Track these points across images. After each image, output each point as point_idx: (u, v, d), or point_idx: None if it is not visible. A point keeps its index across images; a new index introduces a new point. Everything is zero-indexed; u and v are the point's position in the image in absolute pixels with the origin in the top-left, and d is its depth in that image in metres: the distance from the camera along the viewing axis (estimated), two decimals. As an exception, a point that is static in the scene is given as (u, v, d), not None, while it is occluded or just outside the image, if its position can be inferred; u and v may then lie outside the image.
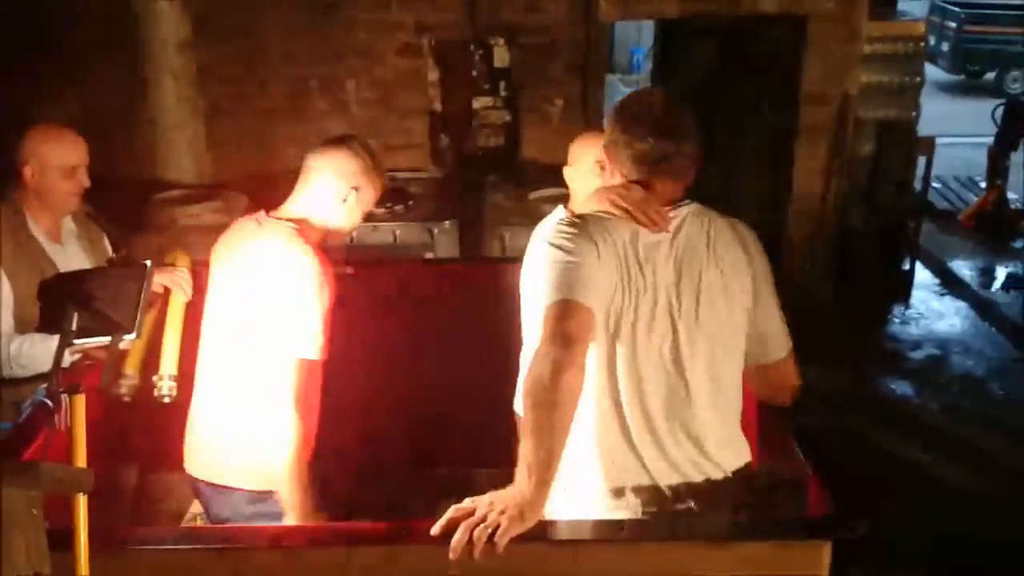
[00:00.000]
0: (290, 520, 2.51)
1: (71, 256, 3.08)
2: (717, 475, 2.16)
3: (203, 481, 2.68)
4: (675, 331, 2.08)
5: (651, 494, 2.12)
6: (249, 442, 2.56)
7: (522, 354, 2.39)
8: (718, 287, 2.12)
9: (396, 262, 3.96)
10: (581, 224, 2.06)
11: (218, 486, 2.65)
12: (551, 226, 2.07)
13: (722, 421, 2.18)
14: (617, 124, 2.19)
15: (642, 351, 2.07)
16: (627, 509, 2.11)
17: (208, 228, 2.70)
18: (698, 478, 2.14)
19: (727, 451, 2.19)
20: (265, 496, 2.59)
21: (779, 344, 2.26)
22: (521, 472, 1.82)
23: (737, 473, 2.21)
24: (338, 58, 6.05)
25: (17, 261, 2.89)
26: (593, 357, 2.02)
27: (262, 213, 2.68)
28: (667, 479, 2.12)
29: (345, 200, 2.65)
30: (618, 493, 2.12)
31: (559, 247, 2.00)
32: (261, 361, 2.52)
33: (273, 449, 2.48)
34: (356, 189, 2.65)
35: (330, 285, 2.57)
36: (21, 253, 2.93)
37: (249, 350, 2.55)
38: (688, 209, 2.16)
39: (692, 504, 2.13)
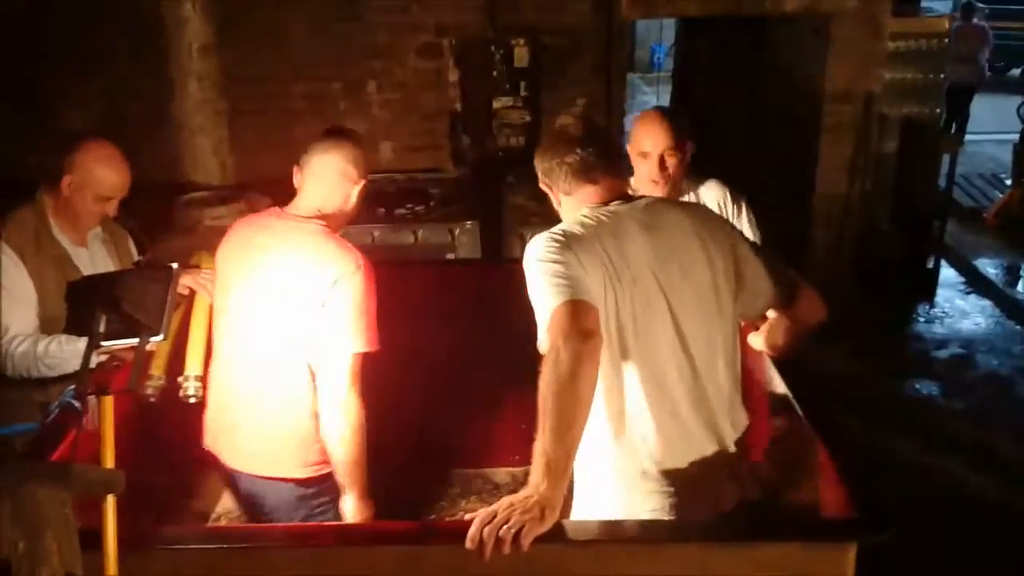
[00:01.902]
0: (345, 507, 2.64)
1: (96, 258, 3.10)
2: (730, 447, 2.28)
3: (248, 474, 2.73)
4: (672, 313, 2.19)
5: (678, 474, 2.20)
6: (299, 435, 2.64)
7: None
8: (698, 263, 2.24)
9: (411, 263, 3.96)
10: (560, 236, 2.18)
11: (266, 478, 2.70)
12: (536, 246, 2.17)
13: (728, 392, 2.30)
14: (545, 153, 2.38)
15: (647, 338, 2.17)
16: (657, 493, 2.20)
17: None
18: (714, 451, 2.25)
19: (734, 418, 2.31)
20: (312, 485, 2.69)
21: (783, 292, 2.39)
22: (538, 470, 1.84)
23: (739, 442, 2.32)
24: (359, 60, 6.07)
25: (41, 263, 2.92)
26: (605, 355, 2.09)
27: (277, 209, 2.71)
28: (689, 456, 2.22)
29: (355, 192, 2.70)
30: (646, 476, 2.20)
31: (548, 260, 2.11)
32: (309, 357, 2.59)
33: (333, 436, 2.56)
34: (364, 179, 2.71)
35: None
36: (44, 255, 2.95)
37: (295, 346, 2.59)
38: (644, 200, 2.34)
39: (713, 479, 2.23)
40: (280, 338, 2.61)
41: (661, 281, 2.19)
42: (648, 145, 2.96)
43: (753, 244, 2.44)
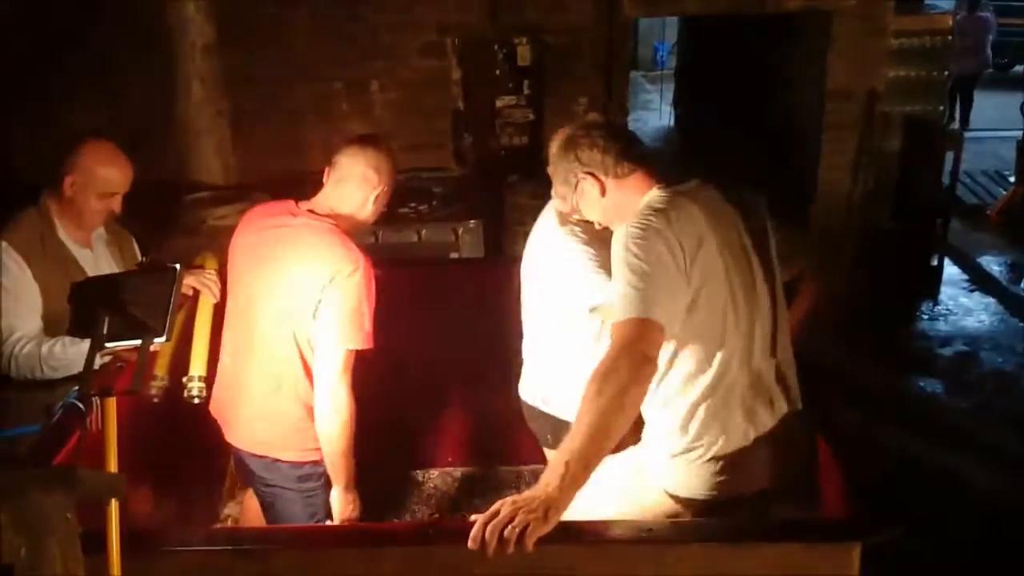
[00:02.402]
0: (332, 497, 2.71)
1: (100, 260, 3.11)
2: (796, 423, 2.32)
3: (250, 453, 2.84)
4: (756, 289, 2.25)
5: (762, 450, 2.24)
6: (291, 423, 2.73)
7: (523, 345, 2.74)
8: (746, 245, 2.28)
9: (413, 262, 3.97)
10: (653, 225, 2.13)
11: (267, 458, 2.81)
12: (636, 230, 2.13)
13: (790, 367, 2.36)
14: (583, 141, 2.35)
15: (730, 319, 2.20)
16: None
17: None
18: (782, 427, 2.28)
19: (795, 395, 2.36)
20: (301, 467, 2.78)
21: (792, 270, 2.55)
22: (555, 471, 1.83)
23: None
24: (362, 60, 6.07)
25: (45, 264, 2.92)
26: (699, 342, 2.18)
27: (293, 204, 2.75)
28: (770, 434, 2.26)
29: (373, 197, 2.73)
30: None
31: (638, 257, 2.07)
32: (305, 350, 2.66)
33: (323, 428, 2.64)
34: (384, 187, 2.74)
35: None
36: (49, 257, 2.96)
37: (292, 339, 2.66)
38: (693, 182, 2.34)
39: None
40: (279, 329, 2.67)
41: (748, 262, 2.24)
42: None
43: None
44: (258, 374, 2.74)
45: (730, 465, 2.21)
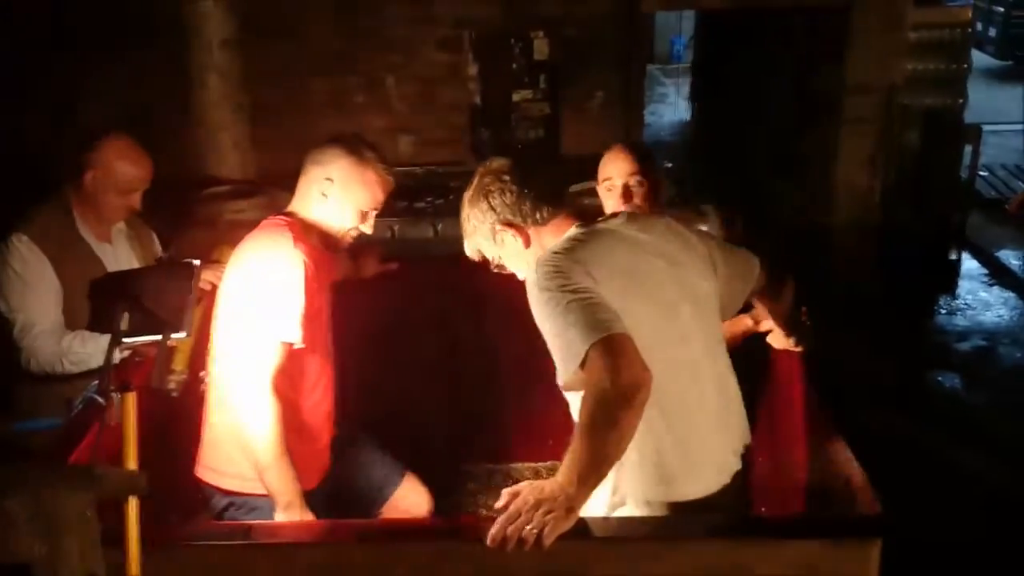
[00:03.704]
0: (279, 514, 2.48)
1: (120, 255, 3.13)
2: (739, 469, 2.25)
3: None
4: (686, 315, 2.15)
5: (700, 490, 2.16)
6: (220, 439, 2.61)
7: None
8: (692, 276, 2.21)
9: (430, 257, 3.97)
10: (566, 256, 2.05)
11: (201, 481, 2.70)
12: (547, 270, 2.03)
13: (737, 413, 2.28)
14: (496, 191, 2.27)
15: (662, 356, 2.04)
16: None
17: (253, 224, 2.72)
18: (735, 471, 2.23)
19: (744, 428, 2.30)
20: (233, 496, 2.61)
21: (749, 278, 2.38)
22: (569, 475, 1.82)
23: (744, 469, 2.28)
24: (378, 54, 6.08)
25: (66, 259, 2.94)
26: None
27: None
28: (712, 478, 2.18)
29: (325, 195, 2.63)
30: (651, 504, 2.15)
31: (560, 288, 1.96)
32: (235, 353, 2.51)
33: (246, 441, 2.47)
34: (330, 180, 2.63)
35: (316, 279, 2.57)
36: (69, 251, 2.98)
37: (228, 343, 2.56)
38: (622, 214, 2.28)
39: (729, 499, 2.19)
40: (222, 335, 2.59)
41: (671, 293, 2.13)
42: (612, 172, 2.93)
43: (719, 241, 2.40)
44: (213, 388, 2.65)
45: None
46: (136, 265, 3.10)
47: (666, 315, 2.12)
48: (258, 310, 2.47)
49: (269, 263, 2.49)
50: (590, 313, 1.91)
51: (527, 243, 2.22)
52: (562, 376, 1.98)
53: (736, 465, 2.23)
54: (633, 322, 1.96)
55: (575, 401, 2.00)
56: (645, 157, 2.96)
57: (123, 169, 2.99)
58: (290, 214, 2.68)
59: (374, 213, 2.73)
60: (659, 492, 2.14)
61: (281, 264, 2.49)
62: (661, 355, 2.01)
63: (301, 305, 2.49)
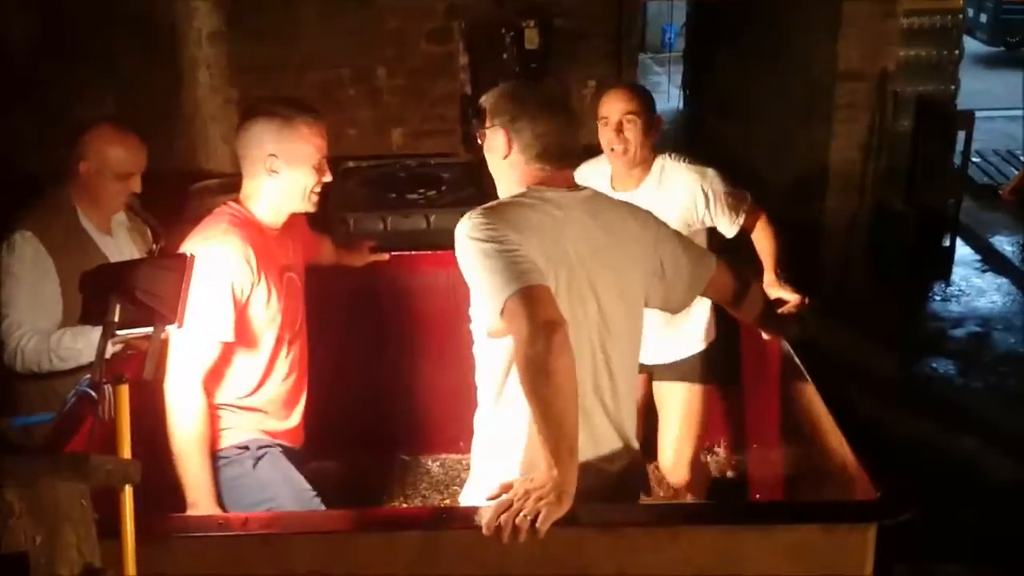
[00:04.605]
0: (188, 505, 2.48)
1: (122, 247, 3.11)
2: (634, 446, 2.26)
3: None
4: (599, 307, 2.13)
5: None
6: None
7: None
8: (627, 262, 2.20)
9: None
10: (496, 213, 2.08)
11: None
12: (473, 223, 2.05)
13: (632, 399, 2.27)
14: (518, 102, 2.21)
15: (572, 333, 2.01)
16: None
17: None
18: (619, 449, 2.21)
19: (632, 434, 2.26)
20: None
21: (701, 276, 2.35)
22: (546, 455, 1.83)
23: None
24: (369, 46, 6.05)
25: (68, 252, 2.92)
26: None
27: None
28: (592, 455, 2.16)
29: (275, 170, 2.58)
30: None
31: (491, 240, 1.99)
32: (178, 340, 2.49)
33: (172, 426, 2.47)
34: (273, 156, 2.57)
35: (269, 267, 2.57)
36: (71, 244, 2.95)
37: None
38: (586, 191, 2.24)
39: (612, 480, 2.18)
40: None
41: (592, 276, 2.12)
42: (606, 111, 3.09)
43: (675, 238, 2.35)
44: None
45: None
46: (139, 256, 3.09)
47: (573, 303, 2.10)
48: (190, 306, 2.39)
49: (200, 258, 2.39)
50: (513, 264, 1.95)
51: (504, 153, 2.21)
52: (485, 325, 2.04)
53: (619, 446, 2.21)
54: None
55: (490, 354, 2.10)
56: (639, 97, 3.12)
57: (115, 154, 2.98)
58: (239, 201, 2.65)
59: (324, 160, 2.68)
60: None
61: (209, 259, 2.45)
62: None
63: (229, 302, 2.48)
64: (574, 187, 2.23)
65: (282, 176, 2.60)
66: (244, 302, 2.54)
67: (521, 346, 1.87)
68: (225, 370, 2.61)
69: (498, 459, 2.19)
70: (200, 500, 2.48)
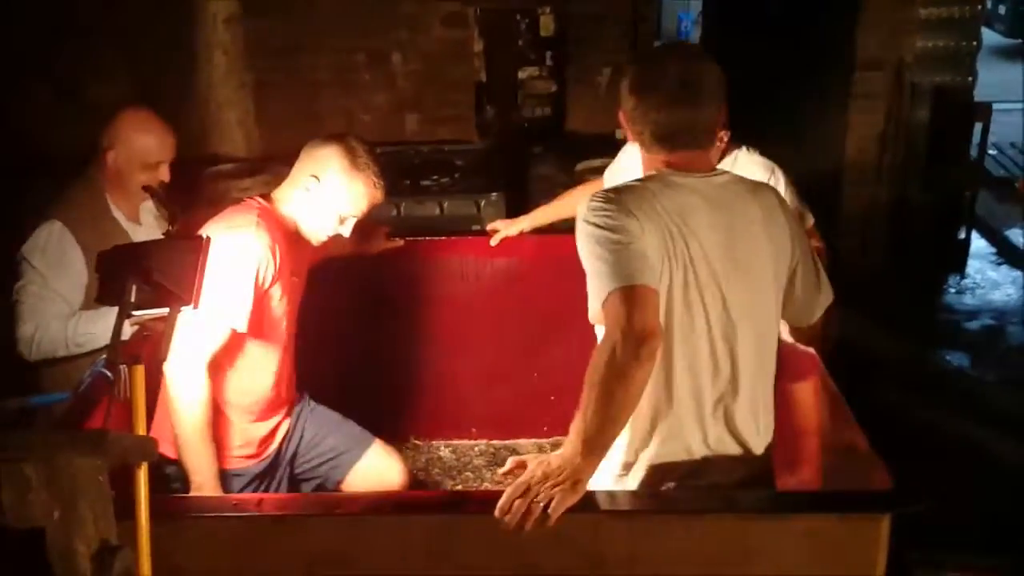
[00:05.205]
0: (194, 488, 2.49)
1: (150, 235, 3.10)
2: (757, 453, 2.15)
3: None
4: (724, 303, 2.03)
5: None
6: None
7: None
8: (761, 254, 2.08)
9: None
10: (617, 198, 2.00)
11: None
12: (594, 206, 1.99)
13: (765, 400, 2.16)
14: (633, 92, 2.10)
15: (690, 325, 2.01)
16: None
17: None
18: (736, 456, 2.13)
19: (764, 434, 2.17)
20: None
21: (813, 309, 2.26)
22: (575, 445, 1.81)
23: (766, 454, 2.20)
24: (384, 30, 6.02)
25: (97, 240, 2.92)
26: None
27: None
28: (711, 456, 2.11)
29: (308, 190, 2.62)
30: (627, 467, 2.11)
31: (608, 227, 1.93)
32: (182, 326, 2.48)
33: (172, 415, 2.49)
34: (315, 178, 2.61)
35: (284, 269, 2.58)
36: (100, 232, 2.95)
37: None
38: (723, 176, 2.11)
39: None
40: None
41: (719, 268, 2.01)
42: None
43: (809, 251, 2.22)
44: None
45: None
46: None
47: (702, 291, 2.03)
48: (209, 290, 2.45)
49: (226, 245, 2.45)
50: (623, 257, 1.89)
51: (632, 138, 2.15)
52: (590, 311, 1.97)
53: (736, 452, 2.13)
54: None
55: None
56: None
57: (142, 143, 2.97)
58: (269, 198, 2.67)
59: (353, 219, 2.71)
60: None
61: (237, 247, 2.47)
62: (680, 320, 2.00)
63: (251, 292, 2.49)
64: (709, 171, 2.10)
65: (310, 199, 2.63)
66: (263, 294, 2.55)
67: (608, 342, 1.83)
68: (227, 366, 2.61)
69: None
70: (207, 483, 2.49)
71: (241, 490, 2.74)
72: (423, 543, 1.97)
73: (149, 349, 2.41)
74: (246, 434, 2.78)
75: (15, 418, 2.54)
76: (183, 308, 2.02)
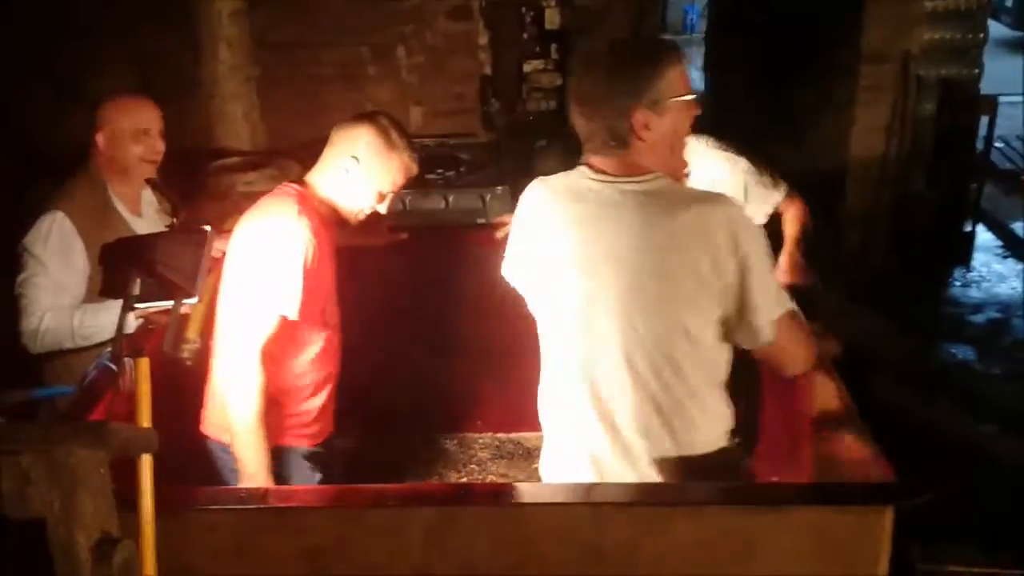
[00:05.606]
0: (245, 478, 2.53)
1: (151, 227, 3.12)
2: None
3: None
4: (631, 326, 2.03)
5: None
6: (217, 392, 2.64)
7: None
8: (683, 272, 1.97)
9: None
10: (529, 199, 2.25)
11: (205, 437, 2.75)
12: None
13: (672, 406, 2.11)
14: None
15: (592, 334, 2.08)
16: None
17: (263, 195, 2.72)
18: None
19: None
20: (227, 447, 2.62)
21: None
22: None
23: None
24: (388, 24, 6.02)
25: (98, 232, 2.93)
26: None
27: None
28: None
29: (348, 171, 2.64)
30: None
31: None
32: (232, 319, 2.58)
33: (225, 406, 2.53)
34: (355, 159, 2.64)
35: (321, 250, 2.59)
36: (102, 224, 2.96)
37: (230, 304, 2.60)
38: (656, 182, 2.02)
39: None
40: (228, 293, 2.63)
41: (628, 278, 1.98)
42: None
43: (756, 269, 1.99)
44: (217, 351, 2.72)
45: None
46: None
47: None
48: (257, 280, 2.49)
49: (271, 233, 2.50)
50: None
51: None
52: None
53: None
54: None
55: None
56: None
57: (127, 113, 3.00)
58: (304, 183, 2.68)
59: (391, 195, 2.75)
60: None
61: (282, 235, 2.50)
62: None
63: (300, 278, 2.51)
64: (632, 176, 2.02)
65: (349, 180, 2.65)
66: (311, 279, 2.56)
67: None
68: (279, 353, 2.61)
69: None
70: (259, 474, 2.51)
71: (302, 466, 2.77)
72: (426, 535, 1.97)
73: (153, 342, 2.42)
74: (301, 413, 2.79)
75: (19, 411, 2.55)
76: (186, 301, 2.02)
